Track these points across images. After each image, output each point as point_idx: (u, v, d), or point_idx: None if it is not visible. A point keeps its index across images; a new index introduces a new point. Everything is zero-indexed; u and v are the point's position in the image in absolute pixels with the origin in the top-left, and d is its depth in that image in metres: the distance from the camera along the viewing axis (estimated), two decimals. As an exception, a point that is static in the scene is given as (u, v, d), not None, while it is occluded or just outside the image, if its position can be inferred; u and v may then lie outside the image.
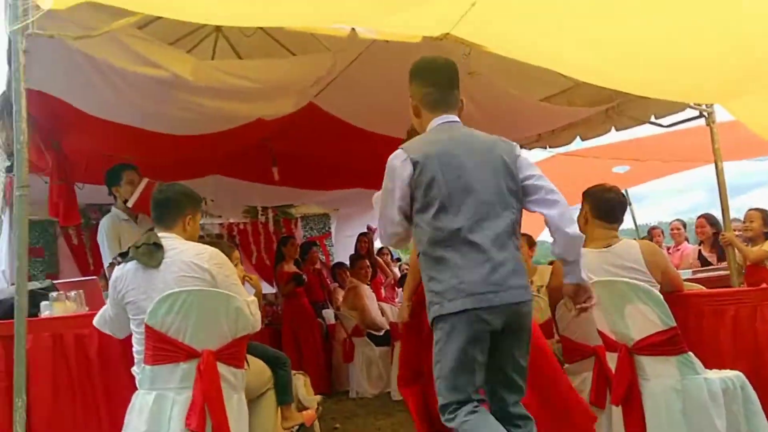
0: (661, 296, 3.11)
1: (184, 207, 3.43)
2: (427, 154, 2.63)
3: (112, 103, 4.36)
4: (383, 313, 7.30)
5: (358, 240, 8.30)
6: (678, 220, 8.54)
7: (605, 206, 3.66)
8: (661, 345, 3.04)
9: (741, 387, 3.01)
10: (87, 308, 3.70)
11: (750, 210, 5.48)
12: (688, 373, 2.98)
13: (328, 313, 7.83)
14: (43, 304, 3.60)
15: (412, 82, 2.87)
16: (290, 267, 7.50)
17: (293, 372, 4.97)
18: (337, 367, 7.50)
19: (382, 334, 7.05)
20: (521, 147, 6.65)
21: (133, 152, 5.38)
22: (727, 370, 3.11)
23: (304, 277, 7.43)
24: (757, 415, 2.98)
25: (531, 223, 8.92)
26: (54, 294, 3.63)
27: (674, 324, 3.04)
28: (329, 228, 9.72)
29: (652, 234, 8.82)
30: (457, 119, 2.82)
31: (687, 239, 8.41)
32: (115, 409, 3.33)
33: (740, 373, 3.05)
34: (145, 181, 4.68)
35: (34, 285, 3.75)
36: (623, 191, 8.87)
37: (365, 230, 8.57)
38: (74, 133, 4.81)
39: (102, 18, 3.34)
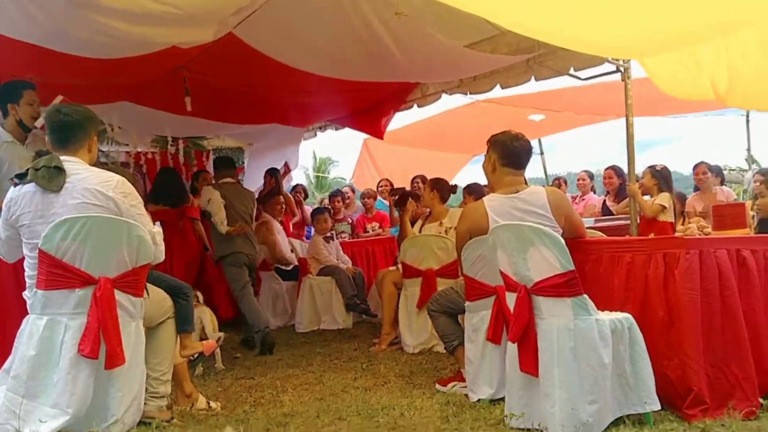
0: (563, 241, 3.21)
1: (88, 130, 3.27)
2: None
3: (15, 19, 4.06)
4: (293, 249, 7.29)
5: (264, 177, 8.18)
6: (585, 171, 8.82)
7: (513, 153, 3.75)
8: (558, 287, 3.14)
9: (629, 328, 3.17)
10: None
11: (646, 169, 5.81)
12: (581, 314, 3.10)
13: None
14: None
15: None
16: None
17: (200, 305, 4.96)
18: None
19: (290, 269, 7.05)
20: (442, 92, 6.78)
21: (36, 72, 5.06)
22: (618, 313, 3.26)
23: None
24: (641, 356, 3.15)
25: (445, 168, 9.06)
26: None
27: (573, 268, 3.14)
28: (242, 162, 9.52)
29: (556, 183, 9.07)
30: None
31: (594, 190, 8.71)
32: (6, 333, 3.21)
33: (629, 316, 3.21)
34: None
35: None
36: (537, 140, 9.18)
37: (275, 167, 8.42)
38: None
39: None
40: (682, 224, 6.16)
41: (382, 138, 7.69)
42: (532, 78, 5.76)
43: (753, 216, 6.02)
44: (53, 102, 4.29)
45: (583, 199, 8.35)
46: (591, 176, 8.78)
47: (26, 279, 3.07)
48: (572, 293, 3.13)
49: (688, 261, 3.28)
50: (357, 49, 5.31)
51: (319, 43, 5.32)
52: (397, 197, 6.25)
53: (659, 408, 3.14)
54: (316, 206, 8.91)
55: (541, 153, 9.62)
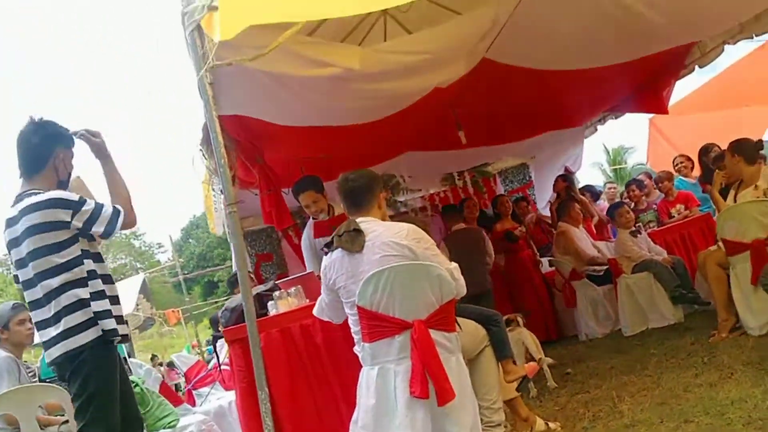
0: None
1: (374, 189, 3.56)
2: None
3: (298, 109, 4.65)
4: (599, 251, 7.04)
5: (555, 183, 8.08)
6: None
7: None
8: None
9: None
10: (307, 300, 4.00)
11: None
12: None
13: (544, 262, 7.73)
14: (270, 303, 3.95)
15: None
16: (503, 224, 7.56)
17: (520, 328, 5.02)
18: (561, 314, 7.43)
19: (602, 273, 6.80)
20: (723, 44, 6.08)
21: (325, 150, 5.70)
22: None
23: (517, 233, 7.43)
24: None
25: (749, 126, 8.07)
26: (277, 293, 3.96)
27: None
28: (529, 177, 9.54)
29: None
30: None
31: None
32: (347, 387, 3.58)
33: None
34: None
35: (259, 288, 4.12)
36: None
37: (565, 173, 8.31)
38: (272, 145, 5.19)
39: (270, 34, 3.55)
40: None
41: (666, 112, 7.16)
42: None
43: None
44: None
45: None
46: None
47: (353, 335, 3.40)
48: None
49: None
50: (610, 30, 5.07)
51: (569, 39, 5.19)
52: None
53: None
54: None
55: None
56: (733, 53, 6.78)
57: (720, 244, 5.26)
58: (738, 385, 3.65)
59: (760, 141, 5.30)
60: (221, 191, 4.78)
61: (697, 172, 7.43)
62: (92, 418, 3.04)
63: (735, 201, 5.15)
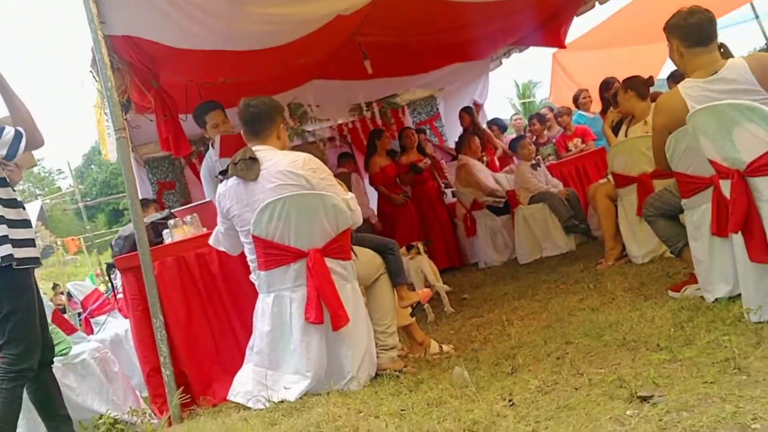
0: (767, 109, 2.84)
1: (275, 117, 3.51)
2: None
3: (194, 32, 4.47)
4: (499, 183, 7.23)
5: (461, 117, 8.18)
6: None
7: (693, 31, 3.30)
8: (776, 164, 2.81)
9: None
10: (204, 229, 3.95)
11: None
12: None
13: (448, 194, 7.90)
14: (165, 232, 3.88)
15: None
16: (409, 157, 7.62)
17: (421, 256, 5.15)
18: (463, 242, 7.67)
19: (501, 204, 7.02)
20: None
21: (226, 74, 5.54)
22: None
23: (422, 165, 7.52)
24: None
25: (648, 63, 8.30)
26: (172, 221, 3.90)
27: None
28: (437, 109, 9.60)
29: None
30: None
31: None
32: (243, 314, 3.60)
33: None
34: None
35: (154, 217, 4.04)
36: (750, 3, 7.96)
37: (469, 105, 8.40)
38: (168, 68, 4.99)
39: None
40: None
41: (563, 47, 7.30)
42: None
43: None
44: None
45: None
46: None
47: (249, 263, 3.41)
48: (792, 163, 2.77)
49: None
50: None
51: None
52: None
53: None
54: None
55: (756, 17, 8.48)
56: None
57: (610, 177, 5.48)
58: (617, 309, 3.88)
59: (651, 78, 5.50)
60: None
61: (597, 107, 7.67)
62: (10, 337, 3.08)
63: (626, 136, 5.36)
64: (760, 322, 2.92)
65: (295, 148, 4.11)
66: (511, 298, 5.08)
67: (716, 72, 3.23)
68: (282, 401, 3.16)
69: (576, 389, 2.69)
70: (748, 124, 2.85)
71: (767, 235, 2.88)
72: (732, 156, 2.96)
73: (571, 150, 7.62)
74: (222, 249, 3.59)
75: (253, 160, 3.34)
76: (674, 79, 5.74)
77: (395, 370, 3.49)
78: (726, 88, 3.15)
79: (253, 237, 3.27)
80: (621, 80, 5.59)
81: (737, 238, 3.04)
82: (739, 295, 3.22)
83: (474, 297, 5.61)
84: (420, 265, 5.17)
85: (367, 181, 7.93)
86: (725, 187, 3.08)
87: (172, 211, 4.23)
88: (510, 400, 2.69)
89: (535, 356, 3.38)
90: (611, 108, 5.66)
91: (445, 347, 4.01)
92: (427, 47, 6.92)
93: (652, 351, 2.96)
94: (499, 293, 5.44)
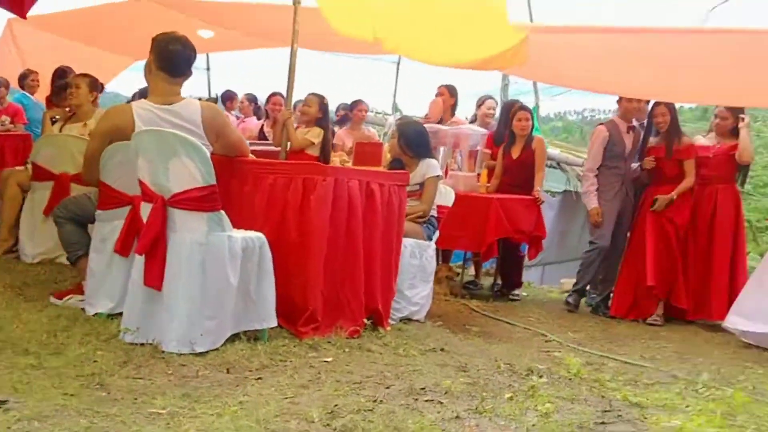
0: (208, 153, 3.10)
1: None
2: None
3: None
4: None
5: None
6: (247, 94, 8.69)
7: (168, 58, 3.35)
8: (196, 200, 3.04)
9: (260, 247, 3.20)
10: None
11: (308, 95, 5.62)
12: (215, 230, 3.04)
13: None
14: None
15: None
16: None
17: None
18: None
19: None
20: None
21: None
22: (252, 231, 3.26)
23: None
24: (267, 275, 3.22)
25: (104, 69, 8.13)
26: None
27: (214, 182, 3.07)
28: None
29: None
30: None
31: (258, 115, 8.52)
32: None
33: (262, 235, 3.24)
34: None
35: None
36: (206, 54, 8.73)
37: None
38: None
39: None
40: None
41: (24, 17, 6.63)
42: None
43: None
44: None
45: (244, 122, 8.25)
46: (253, 99, 8.64)
47: None
48: (209, 208, 3.07)
49: (324, 188, 3.40)
50: None
51: None
52: None
53: (275, 325, 3.27)
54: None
55: (208, 69, 9.31)
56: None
57: (29, 166, 5.12)
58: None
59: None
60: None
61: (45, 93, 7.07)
62: None
63: (60, 130, 5.13)
64: (133, 344, 3.04)
65: None
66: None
67: (172, 104, 3.36)
68: None
69: None
70: (186, 159, 3.05)
71: (165, 264, 3.06)
72: (162, 183, 3.10)
73: (-5, 126, 6.83)
74: None
75: None
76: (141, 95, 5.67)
77: None
78: (174, 121, 3.30)
79: None
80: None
81: (139, 260, 3.14)
82: (121, 313, 3.31)
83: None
84: None
85: None
86: (145, 209, 3.17)
87: None
88: None
89: None
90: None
91: None
92: None
93: (20, 354, 2.81)
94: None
